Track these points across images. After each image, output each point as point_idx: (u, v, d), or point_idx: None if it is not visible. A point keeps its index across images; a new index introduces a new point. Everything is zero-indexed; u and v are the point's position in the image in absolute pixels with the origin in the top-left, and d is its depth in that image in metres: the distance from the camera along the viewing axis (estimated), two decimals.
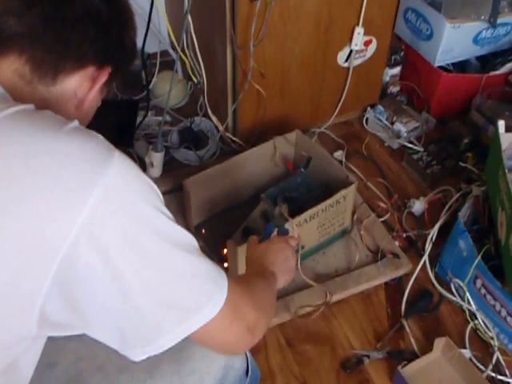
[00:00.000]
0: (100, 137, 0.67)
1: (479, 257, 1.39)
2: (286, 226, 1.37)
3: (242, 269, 1.43)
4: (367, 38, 1.83)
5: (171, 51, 2.02)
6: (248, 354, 1.02)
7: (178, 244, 0.68)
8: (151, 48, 1.94)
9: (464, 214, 1.51)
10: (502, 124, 1.43)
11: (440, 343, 1.39)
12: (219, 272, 0.74)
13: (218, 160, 1.85)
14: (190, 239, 0.71)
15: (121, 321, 0.66)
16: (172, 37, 1.65)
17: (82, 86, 0.77)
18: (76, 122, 0.67)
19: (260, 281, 0.97)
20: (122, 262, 0.63)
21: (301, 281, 1.52)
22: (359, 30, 1.77)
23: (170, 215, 0.69)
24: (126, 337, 0.68)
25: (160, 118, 1.94)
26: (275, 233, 1.30)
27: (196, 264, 0.70)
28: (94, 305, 0.64)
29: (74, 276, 0.62)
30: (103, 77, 0.78)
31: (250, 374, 1.02)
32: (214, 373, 0.94)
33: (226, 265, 1.47)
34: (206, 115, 1.91)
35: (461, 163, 1.77)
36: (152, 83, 2.03)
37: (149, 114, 1.92)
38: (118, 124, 1.88)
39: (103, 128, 0.72)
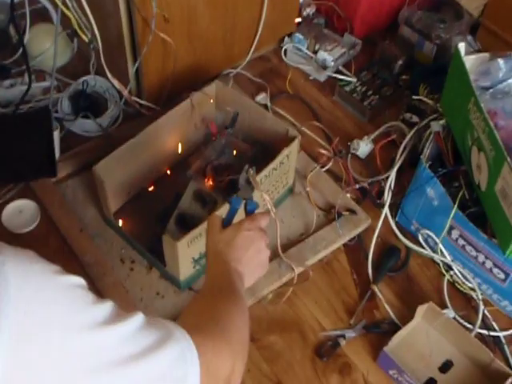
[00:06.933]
0: None
1: (455, 207, 1.20)
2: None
3: (183, 267, 1.18)
4: None
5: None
6: None
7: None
8: None
9: (424, 154, 1.30)
10: (462, 46, 1.20)
11: (422, 309, 1.22)
12: (179, 339, 0.61)
13: (123, 126, 1.54)
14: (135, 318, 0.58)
15: None
16: None
17: None
18: None
19: (230, 305, 0.79)
20: None
21: None
22: None
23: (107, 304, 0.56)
24: None
25: (43, 84, 1.58)
26: (242, 208, 0.97)
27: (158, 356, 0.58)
28: None
29: None
30: None
31: None
32: None
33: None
34: (99, 73, 1.56)
35: (414, 96, 1.54)
36: (25, 40, 1.63)
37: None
38: (31, 153, 1.43)
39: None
